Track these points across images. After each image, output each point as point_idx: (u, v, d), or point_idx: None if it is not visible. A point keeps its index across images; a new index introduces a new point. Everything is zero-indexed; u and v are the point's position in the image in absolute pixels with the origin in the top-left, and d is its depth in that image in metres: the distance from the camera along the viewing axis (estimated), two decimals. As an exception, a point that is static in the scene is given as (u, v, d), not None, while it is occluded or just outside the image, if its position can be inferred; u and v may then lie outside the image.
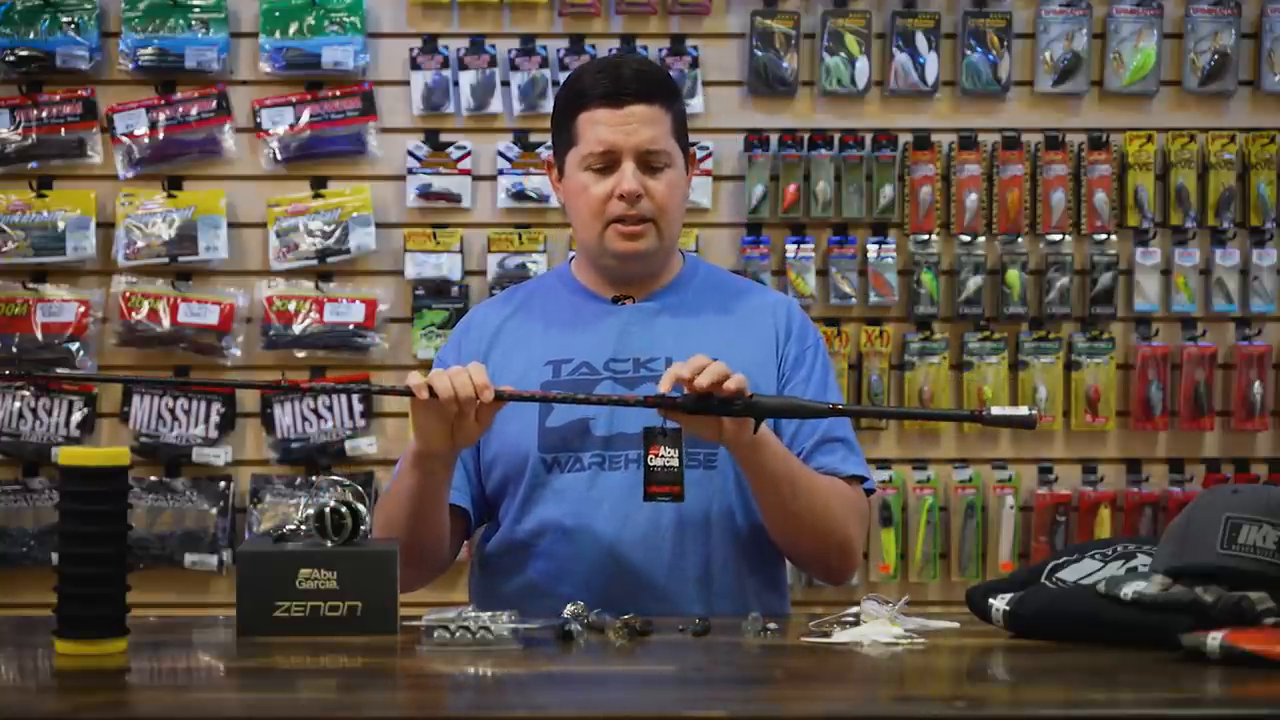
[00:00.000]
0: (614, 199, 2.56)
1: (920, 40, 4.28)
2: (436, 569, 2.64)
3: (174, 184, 4.23)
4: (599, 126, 2.56)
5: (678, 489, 2.39)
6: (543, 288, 2.74)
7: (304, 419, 4.23)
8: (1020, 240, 4.30)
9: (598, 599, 2.43)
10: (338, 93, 4.23)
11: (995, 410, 2.35)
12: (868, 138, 4.29)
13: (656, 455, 2.39)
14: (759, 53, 4.25)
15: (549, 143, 4.23)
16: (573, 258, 2.74)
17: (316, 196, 4.22)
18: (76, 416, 4.21)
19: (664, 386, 2.36)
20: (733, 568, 2.57)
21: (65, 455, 2.09)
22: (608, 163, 2.57)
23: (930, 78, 4.29)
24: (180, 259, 4.19)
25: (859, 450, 2.64)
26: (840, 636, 2.20)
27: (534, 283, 2.82)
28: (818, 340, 2.69)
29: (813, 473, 2.55)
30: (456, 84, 4.25)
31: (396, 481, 2.55)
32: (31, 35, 4.19)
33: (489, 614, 2.14)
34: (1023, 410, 2.33)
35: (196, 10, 4.21)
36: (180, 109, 4.22)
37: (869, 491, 2.64)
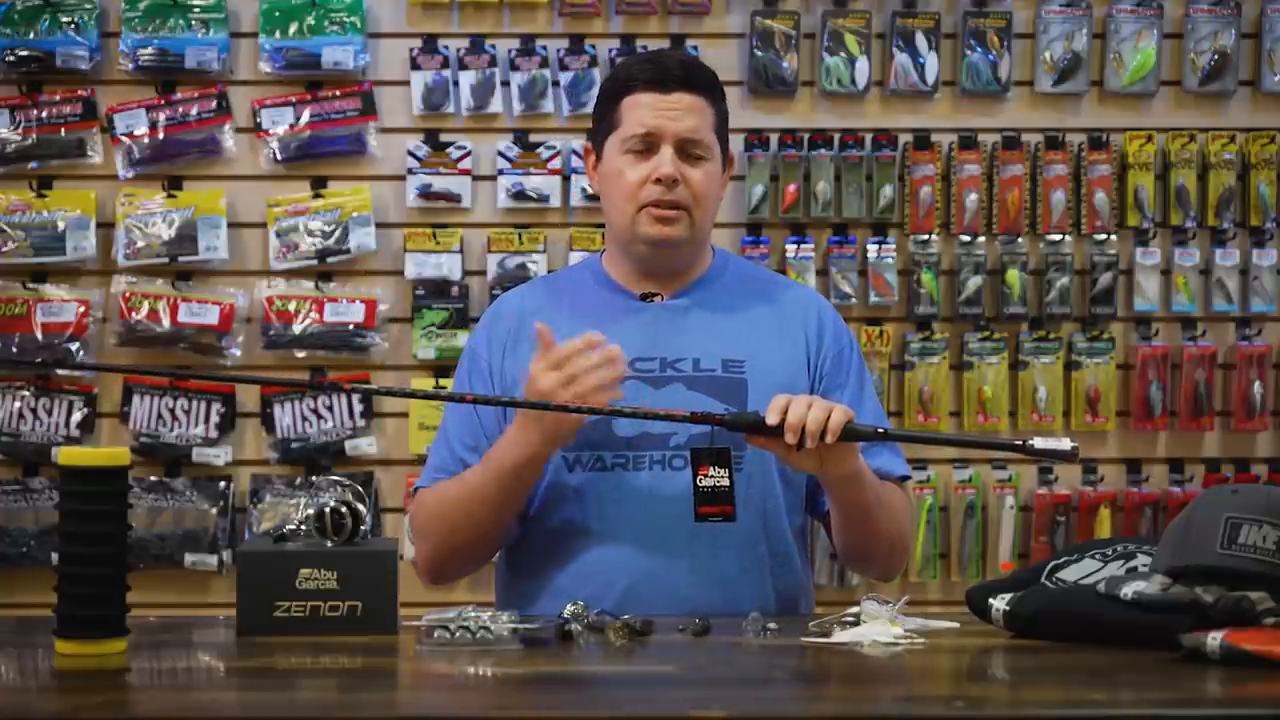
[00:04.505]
0: (650, 183, 2.56)
1: (920, 40, 4.28)
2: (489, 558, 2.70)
3: (174, 184, 4.23)
4: (643, 110, 2.57)
5: (730, 509, 2.38)
6: (572, 280, 2.74)
7: (304, 419, 4.23)
8: (1020, 240, 4.30)
9: (621, 600, 2.44)
10: (338, 93, 4.23)
11: (1038, 442, 2.31)
12: (868, 138, 4.29)
13: (705, 475, 2.38)
14: (759, 53, 4.25)
15: (549, 142, 4.27)
16: (604, 251, 2.73)
17: (316, 196, 4.22)
18: (76, 416, 4.21)
19: (772, 421, 2.34)
20: (758, 570, 2.57)
21: (65, 455, 2.09)
22: (648, 146, 2.57)
23: (930, 78, 4.29)
24: (180, 259, 4.19)
25: (900, 447, 2.67)
26: (840, 636, 2.20)
27: (563, 274, 2.83)
28: (852, 340, 2.70)
29: (884, 487, 2.56)
30: (456, 84, 4.25)
31: (475, 490, 2.53)
32: (31, 35, 4.19)
33: (489, 614, 2.14)
34: (1065, 444, 2.30)
35: (196, 10, 4.21)
36: (180, 109, 4.22)
37: (906, 479, 2.68)
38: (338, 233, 4.21)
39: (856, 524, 2.55)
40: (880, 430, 2.42)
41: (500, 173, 4.25)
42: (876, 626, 2.21)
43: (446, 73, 4.25)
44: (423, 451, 4.09)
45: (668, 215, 2.57)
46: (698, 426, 2.41)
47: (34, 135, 4.20)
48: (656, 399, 2.54)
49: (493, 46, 4.25)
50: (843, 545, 2.61)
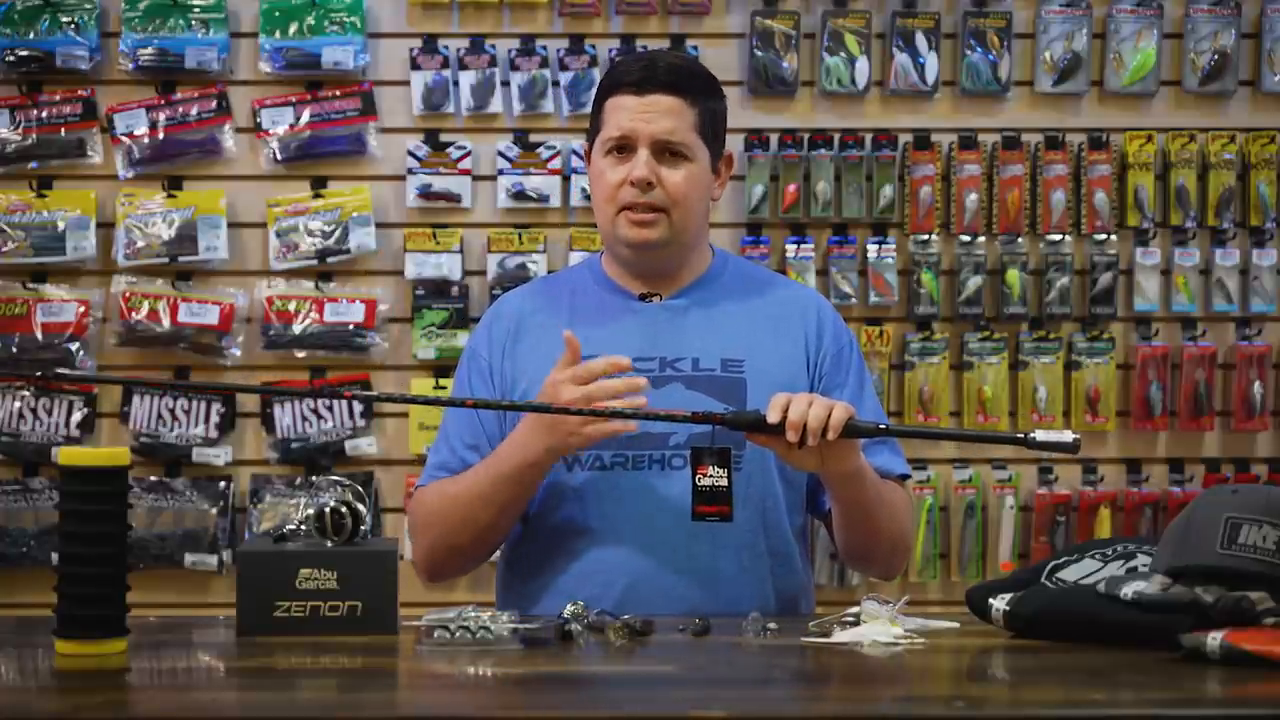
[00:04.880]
0: (627, 185, 2.57)
1: (920, 40, 4.28)
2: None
3: (174, 184, 4.23)
4: (621, 112, 2.58)
5: (727, 509, 2.38)
6: (572, 280, 2.74)
7: (304, 419, 4.22)
8: (1020, 240, 4.30)
9: (621, 599, 2.44)
10: (338, 93, 4.23)
11: (1040, 435, 2.32)
12: (868, 138, 4.29)
13: (705, 475, 2.38)
14: (759, 53, 4.25)
15: (549, 142, 4.28)
16: (603, 251, 2.73)
17: (316, 196, 4.22)
18: (76, 416, 4.21)
19: (773, 419, 2.34)
20: (757, 570, 2.57)
21: (65, 455, 2.09)
22: (625, 150, 2.58)
23: (930, 78, 4.29)
24: (180, 259, 4.19)
25: (900, 446, 2.67)
26: (840, 636, 2.20)
27: (564, 274, 2.83)
28: (852, 340, 2.70)
29: (885, 485, 2.56)
30: (456, 84, 4.25)
31: (476, 490, 2.54)
32: (31, 35, 4.19)
33: (489, 614, 2.14)
34: (1067, 436, 2.30)
35: (196, 10, 4.21)
36: (180, 109, 4.22)
37: (906, 477, 2.68)
38: (338, 233, 4.21)
39: (858, 522, 2.55)
40: (881, 426, 2.42)
41: (500, 173, 4.25)
42: (876, 626, 2.21)
43: (446, 73, 4.25)
44: (423, 451, 4.09)
45: (645, 218, 2.57)
46: (698, 426, 2.41)
47: (34, 135, 4.20)
48: (656, 398, 2.54)
49: (493, 46, 4.25)
50: (844, 544, 2.61)
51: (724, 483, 2.38)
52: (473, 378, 2.66)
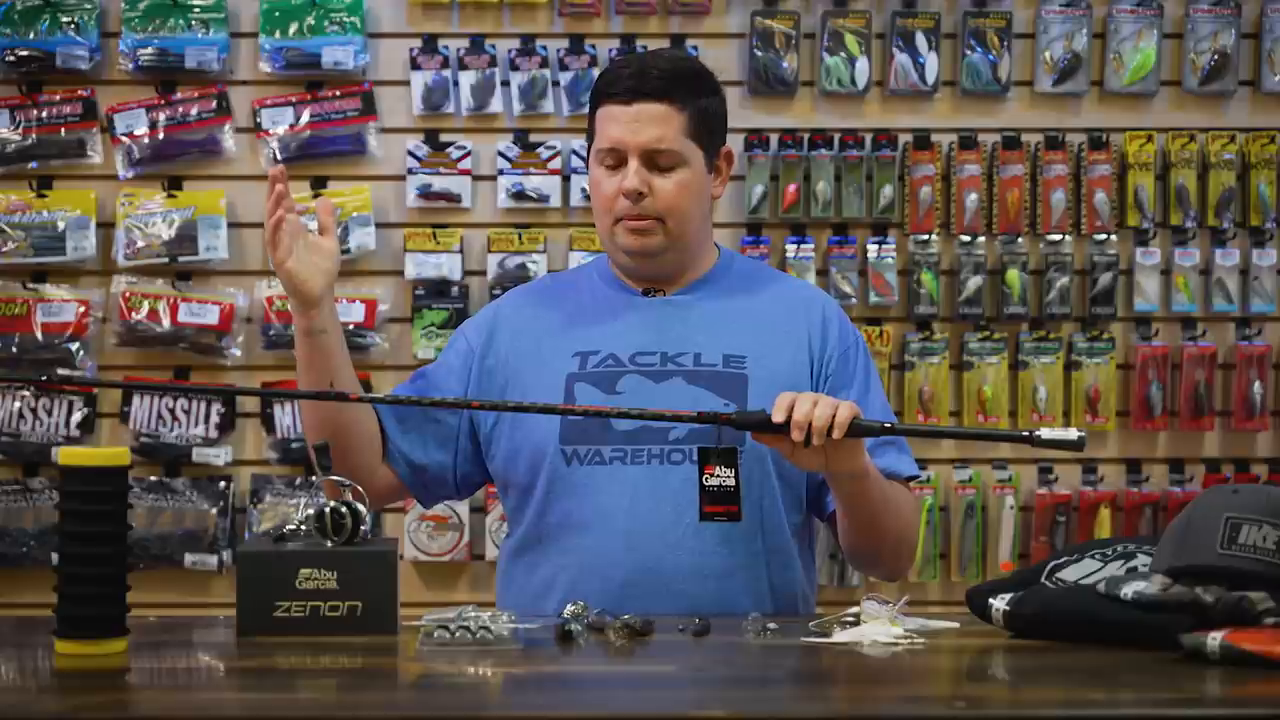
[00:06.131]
0: (620, 196, 2.57)
1: (920, 40, 4.28)
2: (362, 469, 2.60)
3: (174, 184, 4.23)
4: (610, 123, 2.58)
5: (735, 509, 2.38)
6: (577, 278, 2.75)
7: (304, 419, 4.22)
8: (1020, 240, 4.30)
9: (619, 595, 2.43)
10: (338, 93, 4.24)
11: (1045, 433, 2.32)
12: (868, 138, 4.29)
13: (712, 474, 2.38)
14: (759, 53, 4.25)
15: (549, 142, 4.28)
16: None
17: (317, 196, 4.22)
18: (76, 416, 4.21)
19: (778, 419, 2.34)
20: (753, 565, 2.57)
21: (65, 455, 2.09)
22: (617, 160, 2.58)
23: (930, 78, 4.29)
24: (180, 259, 4.19)
25: (908, 446, 2.66)
26: (840, 636, 2.20)
27: (570, 273, 2.85)
28: (858, 338, 2.69)
29: (891, 486, 2.56)
30: (456, 84, 4.25)
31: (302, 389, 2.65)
32: (31, 35, 4.19)
33: (489, 614, 2.14)
34: (1072, 433, 2.30)
35: (196, 10, 4.21)
36: (180, 109, 4.22)
37: (913, 478, 2.67)
38: (338, 233, 4.20)
39: (863, 523, 2.54)
40: (886, 425, 2.41)
41: (500, 173, 4.25)
42: (876, 626, 2.21)
43: (446, 73, 4.25)
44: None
45: (640, 225, 2.58)
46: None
47: (34, 135, 4.20)
48: (657, 392, 2.54)
49: (493, 46, 4.26)
50: (849, 545, 2.61)
51: (731, 483, 2.37)
52: (448, 353, 2.71)
